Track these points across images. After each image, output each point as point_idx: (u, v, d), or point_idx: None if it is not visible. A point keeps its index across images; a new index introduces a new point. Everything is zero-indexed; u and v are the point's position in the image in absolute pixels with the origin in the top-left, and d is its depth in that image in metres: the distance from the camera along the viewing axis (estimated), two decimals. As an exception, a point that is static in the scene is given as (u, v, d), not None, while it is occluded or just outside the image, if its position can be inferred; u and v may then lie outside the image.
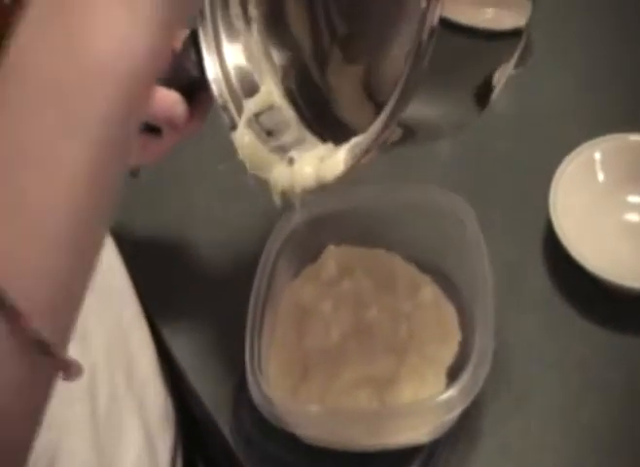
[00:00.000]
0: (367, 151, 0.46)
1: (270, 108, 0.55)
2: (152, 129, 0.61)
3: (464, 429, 0.65)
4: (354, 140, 0.47)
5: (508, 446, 0.66)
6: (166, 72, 0.59)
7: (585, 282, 0.69)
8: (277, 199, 0.52)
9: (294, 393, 0.63)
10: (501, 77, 0.47)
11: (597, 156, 0.73)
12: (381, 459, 0.63)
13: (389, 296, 0.68)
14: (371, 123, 0.45)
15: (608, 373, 0.68)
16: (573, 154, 0.73)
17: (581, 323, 0.70)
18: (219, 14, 0.57)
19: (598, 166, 0.73)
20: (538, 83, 0.86)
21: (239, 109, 0.56)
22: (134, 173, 0.66)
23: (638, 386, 0.67)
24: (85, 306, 0.56)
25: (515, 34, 0.46)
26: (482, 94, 0.48)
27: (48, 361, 0.34)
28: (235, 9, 0.57)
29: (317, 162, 0.49)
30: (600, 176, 0.73)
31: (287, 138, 0.54)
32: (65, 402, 0.55)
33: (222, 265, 0.78)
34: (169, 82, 0.58)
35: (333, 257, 0.70)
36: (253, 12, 0.57)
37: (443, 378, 0.63)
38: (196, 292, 0.76)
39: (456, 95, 0.47)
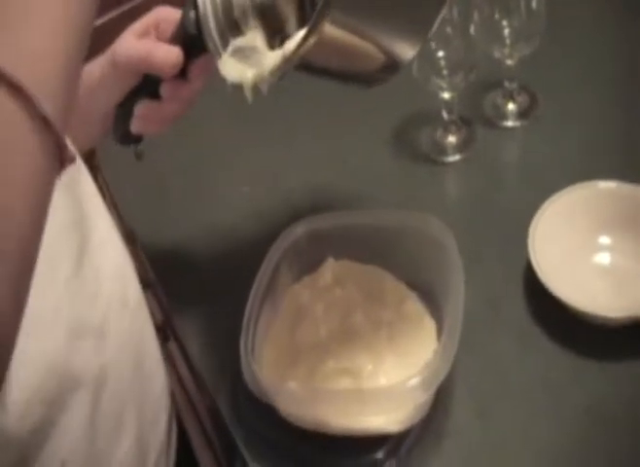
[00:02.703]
0: (287, 60, 0.56)
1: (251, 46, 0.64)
2: (152, 96, 0.69)
3: (429, 430, 0.73)
4: (283, 51, 0.57)
5: (468, 448, 0.72)
6: (172, 36, 0.68)
7: (558, 313, 0.75)
8: (249, 95, 0.61)
9: (282, 377, 0.72)
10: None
11: (573, 201, 0.81)
12: (353, 444, 0.70)
13: (375, 306, 0.77)
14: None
15: (572, 395, 0.73)
16: (552, 198, 0.81)
17: (551, 349, 0.76)
18: None
19: (573, 211, 0.81)
20: (539, 134, 0.96)
21: (223, 38, 0.65)
22: (139, 155, 0.74)
23: (600, 409, 0.72)
24: (104, 310, 0.62)
25: None
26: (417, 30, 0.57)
27: (52, 140, 0.39)
28: None
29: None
30: (575, 219, 0.80)
31: (254, 57, 0.63)
32: (70, 385, 0.59)
33: (231, 269, 0.88)
34: (171, 40, 0.67)
35: (330, 268, 0.80)
36: None
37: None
38: (207, 291, 0.87)
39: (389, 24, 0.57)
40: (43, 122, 0.39)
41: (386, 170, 0.97)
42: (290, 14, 0.67)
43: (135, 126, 0.72)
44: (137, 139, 0.75)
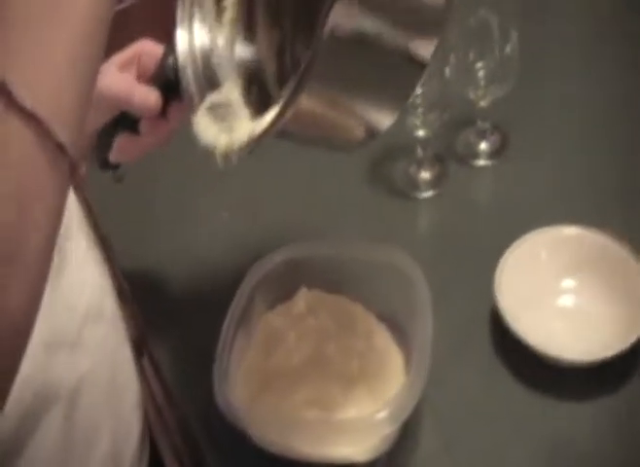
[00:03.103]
0: (262, 134, 0.56)
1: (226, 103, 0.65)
2: (131, 130, 0.71)
3: (397, 461, 0.75)
4: (259, 123, 0.57)
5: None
6: (151, 77, 0.69)
7: (521, 352, 0.78)
8: (219, 161, 0.61)
9: (253, 403, 0.74)
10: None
11: (538, 245, 0.84)
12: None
13: (347, 336, 0.79)
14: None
15: (536, 429, 0.76)
16: (517, 242, 0.83)
17: (514, 385, 0.79)
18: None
19: (538, 254, 0.84)
20: (510, 174, 0.99)
21: (200, 88, 0.66)
22: (119, 179, 0.76)
23: (560, 441, 0.75)
24: (79, 324, 0.64)
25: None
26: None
27: (63, 159, 0.42)
28: None
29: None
30: (539, 263, 0.83)
31: (230, 119, 0.64)
32: (46, 398, 0.60)
33: (207, 291, 0.90)
34: (150, 81, 0.69)
35: (304, 297, 0.82)
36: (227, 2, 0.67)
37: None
38: (182, 311, 0.89)
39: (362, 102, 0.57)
40: (59, 149, 0.42)
41: (360, 203, 0.99)
42: (269, 66, 0.69)
43: (114, 156, 0.75)
44: (116, 165, 0.77)
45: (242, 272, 0.81)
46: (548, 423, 0.76)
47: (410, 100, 0.90)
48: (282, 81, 0.68)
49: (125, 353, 0.75)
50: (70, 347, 0.63)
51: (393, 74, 0.57)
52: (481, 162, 1.01)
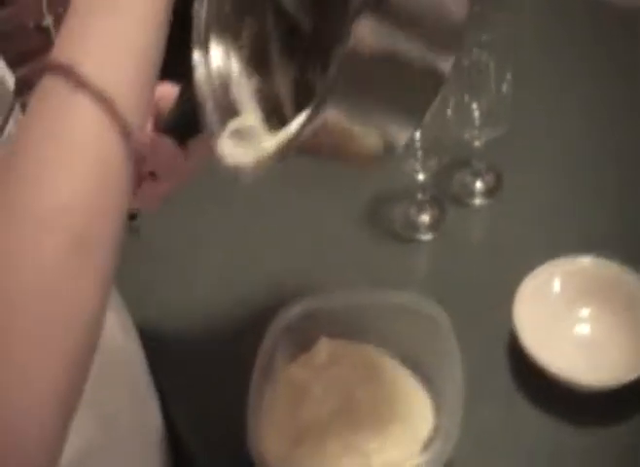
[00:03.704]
0: (283, 150, 0.57)
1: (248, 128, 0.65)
2: (149, 174, 0.69)
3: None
4: (278, 139, 0.58)
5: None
6: (169, 115, 0.70)
7: (542, 382, 0.79)
8: (247, 178, 0.61)
9: (287, 459, 0.72)
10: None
11: (553, 276, 0.85)
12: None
13: (372, 382, 0.78)
14: None
15: (558, 462, 0.77)
16: (533, 273, 0.84)
17: (536, 417, 0.79)
18: (213, 28, 0.66)
19: (554, 285, 0.85)
20: (506, 212, 1.00)
21: (220, 119, 0.65)
22: (135, 230, 0.75)
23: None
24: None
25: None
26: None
27: (128, 142, 0.44)
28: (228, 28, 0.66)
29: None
30: (555, 293, 0.85)
31: (254, 141, 0.64)
32: None
33: (227, 347, 0.88)
34: (169, 124, 0.68)
35: (325, 347, 0.81)
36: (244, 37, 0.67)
37: (418, 454, 0.72)
38: (202, 369, 0.87)
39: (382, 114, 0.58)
40: (125, 132, 0.44)
41: (360, 247, 0.99)
42: (286, 96, 0.70)
43: (132, 205, 0.73)
44: (133, 216, 0.76)
45: (251, 325, 0.80)
46: (572, 452, 0.77)
47: (410, 143, 0.91)
48: (299, 105, 0.67)
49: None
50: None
51: (412, 88, 0.58)
52: (478, 202, 1.02)
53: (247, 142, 0.63)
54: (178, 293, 0.97)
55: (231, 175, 0.61)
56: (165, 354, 0.88)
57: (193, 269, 0.99)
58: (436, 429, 0.74)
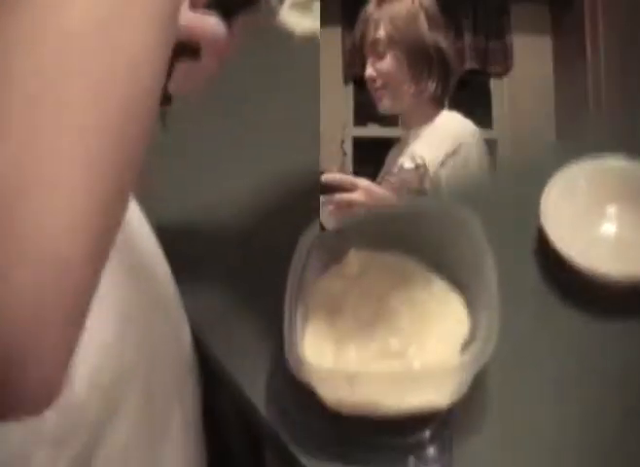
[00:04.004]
0: None
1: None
2: (192, 57, 0.68)
3: (468, 409, 0.74)
4: None
5: (508, 431, 0.75)
6: None
7: (570, 277, 0.80)
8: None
9: (329, 366, 0.74)
10: None
11: (581, 174, 0.87)
12: (400, 425, 0.72)
13: (405, 288, 0.79)
14: None
15: (599, 359, 0.78)
16: (560, 172, 0.86)
17: (567, 313, 0.81)
18: None
19: (580, 184, 0.87)
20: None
21: None
22: (167, 100, 0.72)
23: (630, 370, 0.77)
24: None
25: None
26: None
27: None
28: None
29: None
30: (582, 192, 0.86)
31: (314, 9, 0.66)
32: (123, 373, 0.61)
33: (258, 261, 0.87)
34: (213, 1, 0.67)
35: (355, 258, 0.81)
36: None
37: (457, 355, 0.74)
38: (234, 285, 0.86)
39: None
40: None
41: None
42: None
43: (175, 86, 0.69)
44: (168, 98, 0.73)
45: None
46: (612, 349, 0.78)
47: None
48: None
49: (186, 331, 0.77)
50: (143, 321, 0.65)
51: None
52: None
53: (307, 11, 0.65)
54: (206, 197, 0.93)
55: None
56: (193, 272, 0.86)
57: (224, 171, 0.96)
58: (471, 332, 0.75)
